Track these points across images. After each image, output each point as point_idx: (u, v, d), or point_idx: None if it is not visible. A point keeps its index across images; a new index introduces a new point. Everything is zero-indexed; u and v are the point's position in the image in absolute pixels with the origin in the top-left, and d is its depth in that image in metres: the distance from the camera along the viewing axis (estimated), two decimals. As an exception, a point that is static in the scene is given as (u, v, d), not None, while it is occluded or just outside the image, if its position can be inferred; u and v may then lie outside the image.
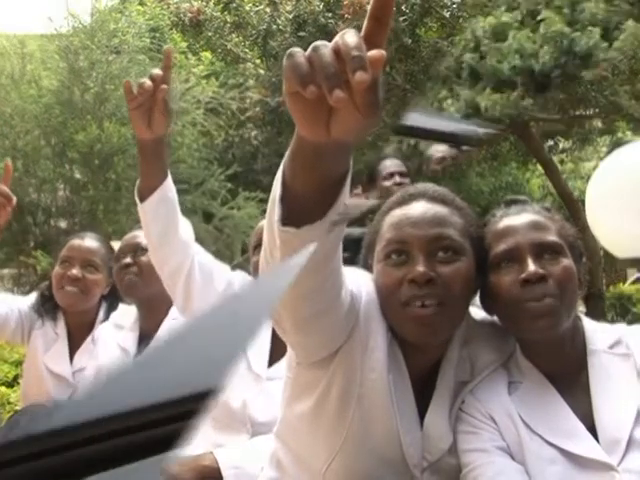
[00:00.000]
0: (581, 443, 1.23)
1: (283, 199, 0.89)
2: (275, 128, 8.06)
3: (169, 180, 1.71)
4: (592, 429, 1.24)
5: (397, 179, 3.17)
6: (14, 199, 1.93)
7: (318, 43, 0.75)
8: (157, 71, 1.56)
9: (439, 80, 7.30)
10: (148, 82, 1.55)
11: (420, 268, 1.22)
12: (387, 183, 3.16)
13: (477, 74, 6.75)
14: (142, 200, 1.70)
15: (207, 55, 8.17)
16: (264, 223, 0.98)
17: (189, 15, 9.11)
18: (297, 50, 0.75)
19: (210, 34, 9.16)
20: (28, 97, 6.49)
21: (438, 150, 3.35)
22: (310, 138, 0.81)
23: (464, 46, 6.95)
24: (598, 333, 1.31)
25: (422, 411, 1.31)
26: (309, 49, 0.75)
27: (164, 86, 1.56)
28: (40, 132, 6.43)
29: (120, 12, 7.30)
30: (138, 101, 1.56)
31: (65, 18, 6.84)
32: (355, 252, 1.43)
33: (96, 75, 6.57)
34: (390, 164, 3.24)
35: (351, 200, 0.92)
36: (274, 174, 0.91)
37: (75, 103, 6.49)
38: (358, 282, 1.26)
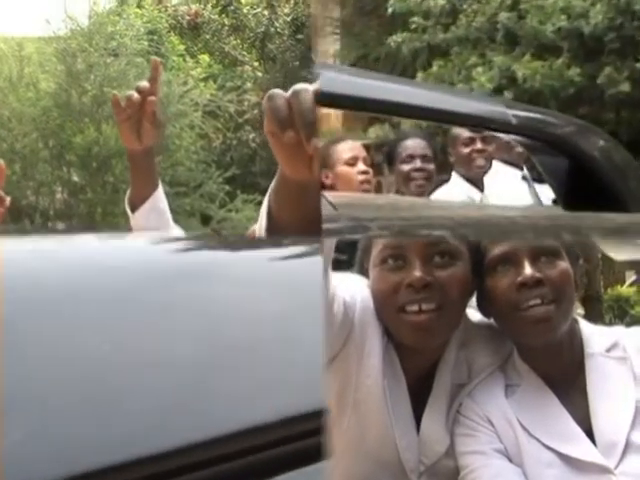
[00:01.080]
0: (578, 446, 1.23)
1: (269, 230, 0.89)
2: (273, 130, 8.06)
3: (160, 190, 1.72)
4: (589, 432, 1.24)
5: (418, 163, 2.71)
6: (7, 200, 1.93)
7: (299, 87, 0.75)
8: (144, 83, 1.56)
9: (468, 44, 6.01)
10: (135, 95, 1.54)
11: (417, 273, 1.21)
12: (406, 167, 2.71)
13: (514, 37, 5.59)
14: (133, 210, 1.70)
15: (205, 58, 8.17)
16: (256, 227, 0.98)
17: (187, 18, 9.12)
18: (277, 93, 0.75)
19: (208, 37, 9.16)
20: (26, 100, 6.49)
21: (465, 129, 2.84)
22: (292, 177, 0.81)
23: (500, 3, 5.69)
24: (595, 336, 1.31)
25: (419, 414, 1.31)
26: (290, 92, 0.74)
27: (152, 98, 1.55)
28: (38, 135, 6.43)
29: (118, 15, 7.31)
30: (126, 114, 1.56)
31: (63, 21, 6.84)
32: (352, 255, 1.43)
33: (94, 78, 6.57)
34: (411, 145, 2.76)
35: (355, 196, 0.91)
36: (272, 177, 0.91)
37: (73, 106, 6.49)
38: (352, 289, 1.26)
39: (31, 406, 0.35)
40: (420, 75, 6.15)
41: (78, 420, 0.35)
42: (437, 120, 1.16)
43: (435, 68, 6.13)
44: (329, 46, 8.37)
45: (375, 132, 6.64)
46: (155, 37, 7.48)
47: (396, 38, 6.45)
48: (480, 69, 5.62)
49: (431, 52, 6.35)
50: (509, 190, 2.82)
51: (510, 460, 1.25)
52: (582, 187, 0.99)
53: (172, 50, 7.76)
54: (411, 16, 6.36)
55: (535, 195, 2.71)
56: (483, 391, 1.30)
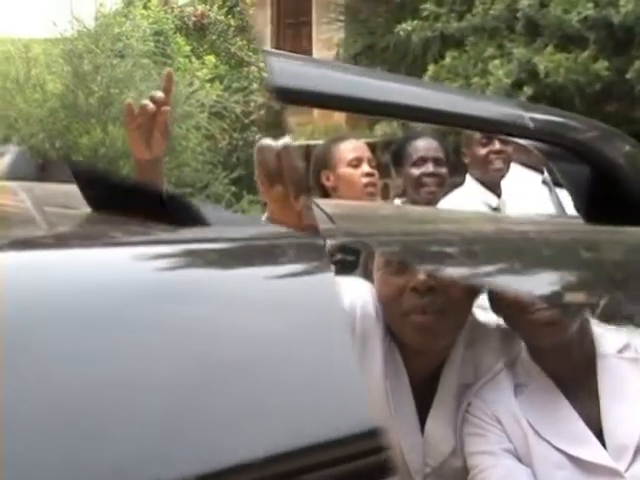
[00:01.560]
0: (588, 449, 1.22)
1: None
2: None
3: None
4: (599, 434, 1.23)
5: (430, 167, 2.43)
6: None
7: (290, 143, 0.75)
8: (159, 93, 1.56)
9: (485, 34, 5.47)
10: (150, 104, 1.55)
11: (421, 276, 1.21)
12: (416, 171, 2.43)
13: (536, 27, 5.13)
14: None
15: (211, 59, 8.17)
16: None
17: (193, 19, 9.13)
18: (267, 145, 0.75)
19: (214, 37, 9.16)
20: (33, 101, 6.50)
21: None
22: (282, 220, 0.80)
23: (521, -11, 5.12)
24: (607, 336, 1.31)
25: (425, 415, 1.30)
26: (280, 145, 0.74)
27: (166, 108, 1.56)
28: (45, 136, 6.45)
29: (124, 16, 7.32)
30: (137, 122, 1.56)
31: (69, 22, 6.85)
32: (357, 257, 1.43)
33: (100, 79, 6.58)
34: (423, 146, 2.47)
35: (356, 205, 0.90)
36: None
37: (79, 107, 6.51)
38: (351, 295, 1.26)
39: (16, 429, 0.34)
40: (432, 67, 5.65)
41: (63, 444, 0.34)
42: (444, 123, 1.08)
43: (448, 60, 5.63)
44: (332, 34, 7.94)
45: (382, 129, 6.21)
46: (161, 38, 7.48)
47: (406, 26, 5.91)
48: (497, 62, 5.15)
49: (444, 42, 5.83)
50: (528, 196, 2.57)
51: (519, 460, 1.25)
52: (606, 198, 0.90)
53: (178, 51, 7.77)
54: (423, 2, 5.84)
55: (557, 201, 2.52)
56: (492, 390, 1.29)
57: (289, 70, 0.69)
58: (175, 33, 8.18)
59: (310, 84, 0.68)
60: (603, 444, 1.22)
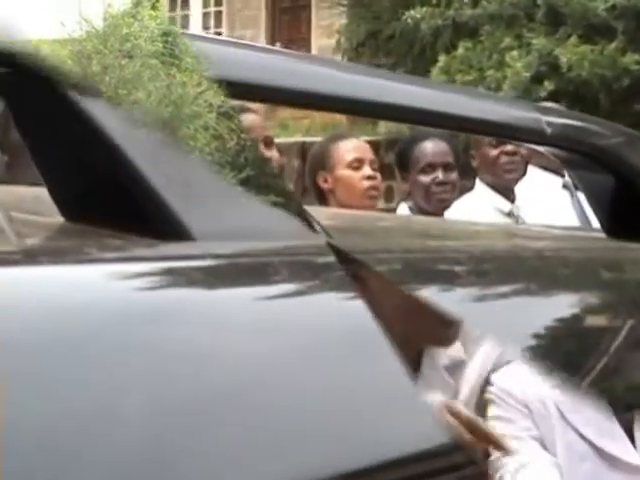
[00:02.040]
0: (615, 442, 1.20)
1: None
2: (287, 131, 8.02)
3: None
4: (629, 431, 1.21)
5: (440, 175, 2.22)
6: None
7: None
8: None
9: (502, 22, 5.09)
10: None
11: None
12: (425, 178, 2.23)
13: (558, 15, 4.82)
14: None
15: (219, 59, 8.19)
16: None
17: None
18: None
19: (222, 37, 9.19)
20: (41, 102, 6.53)
21: None
22: None
23: (541, -25, 4.67)
24: None
25: None
26: None
27: None
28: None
29: (133, 16, 7.32)
30: None
31: (78, 23, 6.87)
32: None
33: (109, 79, 6.57)
34: (431, 150, 2.24)
35: (357, 215, 0.86)
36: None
37: (88, 108, 6.54)
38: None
39: None
40: (442, 58, 5.30)
41: (34, 471, 0.32)
42: (450, 128, 1.03)
43: (461, 50, 5.27)
44: (334, 20, 7.40)
45: (386, 127, 5.79)
46: (169, 38, 7.50)
47: (414, 13, 5.49)
48: (515, 53, 4.81)
49: (456, 31, 5.46)
50: (547, 201, 2.37)
51: (545, 447, 1.22)
52: (630, 210, 0.84)
53: (186, 51, 7.78)
54: (434, -13, 5.28)
55: (579, 207, 2.34)
56: (519, 373, 1.26)
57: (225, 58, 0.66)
58: (183, 33, 8.21)
59: (245, 74, 0.66)
60: (632, 441, 1.20)
